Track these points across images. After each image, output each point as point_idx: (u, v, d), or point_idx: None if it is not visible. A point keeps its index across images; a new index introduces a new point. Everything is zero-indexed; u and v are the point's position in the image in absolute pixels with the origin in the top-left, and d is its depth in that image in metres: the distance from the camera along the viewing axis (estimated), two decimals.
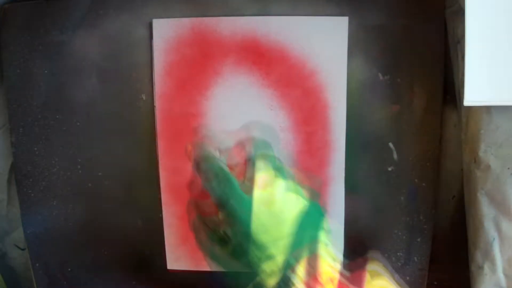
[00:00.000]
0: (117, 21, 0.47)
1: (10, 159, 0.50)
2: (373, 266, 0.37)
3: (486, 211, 0.42)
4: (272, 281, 0.35)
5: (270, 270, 0.35)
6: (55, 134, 0.49)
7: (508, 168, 0.41)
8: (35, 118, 0.49)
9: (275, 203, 0.36)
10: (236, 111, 0.48)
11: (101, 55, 0.48)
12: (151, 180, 0.49)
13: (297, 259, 0.35)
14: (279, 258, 0.35)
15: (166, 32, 0.47)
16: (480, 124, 0.42)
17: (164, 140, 0.49)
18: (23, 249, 0.53)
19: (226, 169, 0.38)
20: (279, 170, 0.38)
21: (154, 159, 0.49)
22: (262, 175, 0.37)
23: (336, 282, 0.35)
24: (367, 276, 0.36)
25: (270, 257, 0.35)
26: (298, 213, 0.36)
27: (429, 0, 0.45)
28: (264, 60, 0.47)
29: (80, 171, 0.50)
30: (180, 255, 0.51)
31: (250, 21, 0.46)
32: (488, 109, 0.41)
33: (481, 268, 0.43)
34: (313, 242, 0.36)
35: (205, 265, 0.50)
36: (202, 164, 0.39)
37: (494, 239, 0.42)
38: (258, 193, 0.36)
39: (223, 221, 0.37)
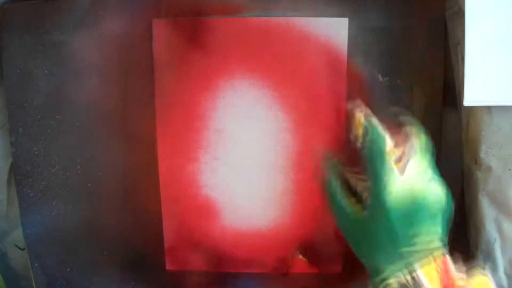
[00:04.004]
0: (117, 21, 0.47)
1: (10, 159, 0.50)
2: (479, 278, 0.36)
3: (487, 212, 0.42)
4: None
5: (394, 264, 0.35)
6: (55, 134, 0.49)
7: (509, 169, 0.41)
8: (35, 118, 0.49)
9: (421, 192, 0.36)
10: (236, 112, 0.48)
11: (101, 55, 0.48)
12: (151, 180, 0.49)
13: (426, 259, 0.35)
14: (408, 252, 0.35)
15: (166, 32, 0.47)
16: (480, 126, 0.42)
17: (164, 140, 0.49)
18: (22, 249, 0.53)
19: (389, 144, 0.37)
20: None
21: (154, 159, 0.49)
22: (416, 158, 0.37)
23: None
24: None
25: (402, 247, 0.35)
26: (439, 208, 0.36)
27: (429, 2, 0.45)
28: (264, 61, 0.47)
29: (79, 171, 0.50)
30: (179, 255, 0.50)
31: (250, 22, 0.46)
32: (488, 110, 0.41)
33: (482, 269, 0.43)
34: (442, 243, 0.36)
35: (205, 265, 0.51)
36: (368, 129, 0.38)
37: (495, 240, 0.42)
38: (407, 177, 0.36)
39: (367, 188, 0.37)
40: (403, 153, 0.37)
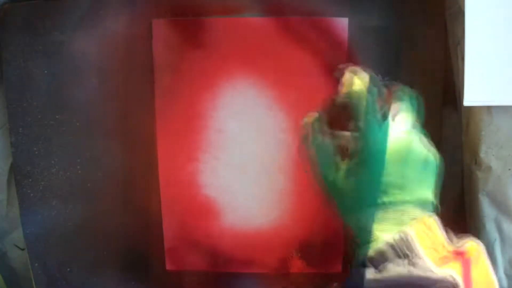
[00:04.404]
0: (117, 21, 0.47)
1: (10, 159, 0.50)
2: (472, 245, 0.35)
3: (488, 212, 0.42)
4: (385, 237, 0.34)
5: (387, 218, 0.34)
6: (54, 134, 0.49)
7: (509, 169, 0.41)
8: (35, 118, 0.49)
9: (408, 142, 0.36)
10: (236, 112, 0.48)
11: (101, 55, 0.48)
12: (151, 180, 0.49)
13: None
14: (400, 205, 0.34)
15: (166, 32, 0.47)
16: (480, 126, 0.42)
17: (164, 140, 0.49)
18: (22, 249, 0.53)
19: (375, 93, 0.37)
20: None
21: (154, 159, 0.49)
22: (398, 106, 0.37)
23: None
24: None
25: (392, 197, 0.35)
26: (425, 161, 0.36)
27: (429, 2, 0.45)
28: (264, 61, 0.47)
29: (79, 171, 0.50)
30: (179, 255, 0.50)
31: (250, 22, 0.46)
32: (488, 110, 0.41)
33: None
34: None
35: (205, 265, 0.50)
36: (353, 80, 0.38)
37: (495, 240, 0.42)
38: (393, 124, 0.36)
39: (352, 139, 0.37)
40: (392, 105, 0.38)
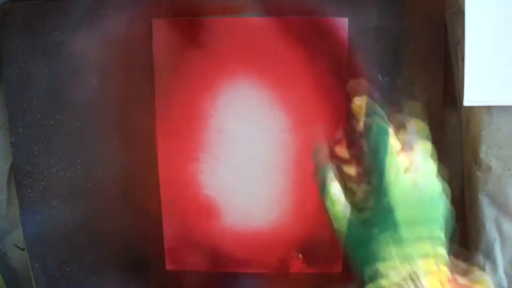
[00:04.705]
0: (117, 21, 0.47)
1: (10, 159, 0.50)
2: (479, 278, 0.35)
3: (488, 212, 0.42)
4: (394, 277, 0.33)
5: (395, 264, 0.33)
6: (54, 134, 0.49)
7: (509, 169, 0.41)
8: (35, 118, 0.49)
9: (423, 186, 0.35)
10: (236, 112, 0.48)
11: (101, 55, 0.48)
12: (151, 180, 0.49)
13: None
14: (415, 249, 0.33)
15: (166, 32, 0.47)
16: (480, 126, 0.42)
17: (164, 140, 0.49)
18: (22, 249, 0.53)
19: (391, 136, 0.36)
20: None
21: (154, 159, 0.49)
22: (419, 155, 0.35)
23: None
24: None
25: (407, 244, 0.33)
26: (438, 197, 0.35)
27: (429, 2, 0.45)
28: (264, 61, 0.47)
29: (79, 171, 0.50)
30: (179, 255, 0.50)
31: (250, 22, 0.46)
32: (488, 110, 0.41)
33: (482, 268, 0.43)
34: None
35: (205, 265, 0.50)
36: (370, 122, 0.36)
37: (495, 239, 0.42)
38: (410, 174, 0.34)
39: (365, 192, 0.36)
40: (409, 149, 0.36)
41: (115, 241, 0.51)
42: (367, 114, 0.37)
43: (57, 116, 0.49)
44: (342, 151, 0.38)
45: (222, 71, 0.47)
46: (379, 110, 0.37)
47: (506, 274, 0.43)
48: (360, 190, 0.37)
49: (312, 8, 0.46)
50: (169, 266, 0.51)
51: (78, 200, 0.50)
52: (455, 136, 0.47)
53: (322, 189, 0.38)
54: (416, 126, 0.37)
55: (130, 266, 0.51)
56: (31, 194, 0.50)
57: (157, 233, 0.50)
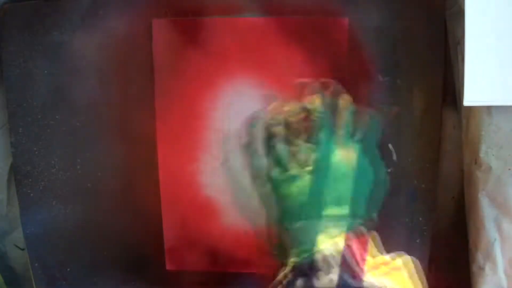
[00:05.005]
0: (117, 21, 0.47)
1: (10, 159, 0.50)
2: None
3: (487, 212, 0.42)
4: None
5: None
6: (54, 134, 0.49)
7: (509, 169, 0.41)
8: (34, 118, 0.49)
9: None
10: (236, 112, 0.48)
11: (101, 55, 0.48)
12: (151, 180, 0.49)
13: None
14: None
15: (166, 32, 0.47)
16: (480, 126, 0.41)
17: (164, 140, 0.49)
18: (22, 249, 0.53)
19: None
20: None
21: (154, 159, 0.49)
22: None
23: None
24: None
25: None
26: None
27: (429, 2, 0.45)
28: (264, 61, 0.47)
29: (79, 171, 0.50)
30: (179, 255, 0.50)
31: (250, 22, 0.46)
32: (488, 110, 0.41)
33: (482, 269, 0.43)
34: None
35: (205, 265, 0.50)
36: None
37: (495, 240, 0.42)
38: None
39: (308, 149, 0.38)
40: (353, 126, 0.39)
41: (115, 241, 0.51)
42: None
43: (57, 116, 0.49)
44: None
45: (222, 71, 0.47)
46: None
47: (506, 274, 0.43)
48: (304, 147, 0.38)
49: (312, 8, 0.46)
50: (169, 266, 0.51)
51: (78, 200, 0.50)
52: (455, 136, 0.47)
53: (260, 141, 0.40)
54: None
55: (130, 266, 0.51)
56: (31, 194, 0.50)
57: (157, 233, 0.50)
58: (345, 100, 0.40)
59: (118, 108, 0.48)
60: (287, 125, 0.40)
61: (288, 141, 0.39)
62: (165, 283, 0.51)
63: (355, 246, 0.35)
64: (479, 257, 0.43)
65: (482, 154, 0.42)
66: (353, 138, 0.39)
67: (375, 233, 0.37)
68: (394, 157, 0.47)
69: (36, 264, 0.52)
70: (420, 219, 0.48)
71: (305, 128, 0.39)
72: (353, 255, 0.34)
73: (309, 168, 0.37)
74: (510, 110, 0.40)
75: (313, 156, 0.38)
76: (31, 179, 0.50)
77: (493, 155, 0.42)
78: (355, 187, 0.37)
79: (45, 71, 0.48)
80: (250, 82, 0.47)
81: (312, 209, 0.36)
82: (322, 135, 0.38)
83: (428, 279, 0.49)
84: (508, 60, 0.38)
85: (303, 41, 0.46)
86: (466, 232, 0.45)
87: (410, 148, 0.47)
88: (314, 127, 0.39)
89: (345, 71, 0.46)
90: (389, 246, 0.48)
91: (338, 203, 0.36)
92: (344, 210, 0.36)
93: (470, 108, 0.42)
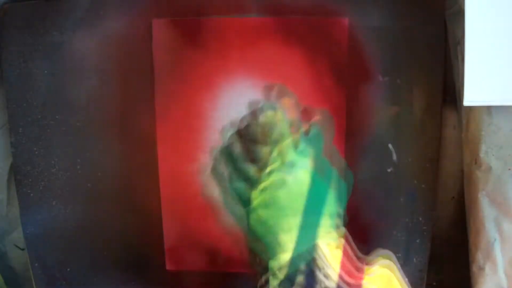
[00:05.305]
0: (117, 21, 0.47)
1: (10, 159, 0.50)
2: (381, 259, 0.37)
3: (487, 212, 0.42)
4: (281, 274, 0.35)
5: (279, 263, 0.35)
6: (54, 134, 0.49)
7: (509, 169, 0.41)
8: (34, 118, 0.49)
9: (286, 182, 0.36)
10: (236, 112, 0.47)
11: (101, 55, 0.48)
12: (151, 180, 0.49)
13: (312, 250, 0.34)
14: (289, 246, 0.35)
15: (166, 32, 0.47)
16: (480, 125, 0.41)
17: (164, 140, 0.49)
18: (22, 249, 0.53)
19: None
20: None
21: (154, 159, 0.49)
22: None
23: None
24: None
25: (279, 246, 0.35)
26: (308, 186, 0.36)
27: (429, 2, 0.45)
28: (264, 61, 0.47)
29: (79, 171, 0.50)
30: (179, 255, 0.50)
31: (250, 22, 0.46)
32: (488, 110, 0.41)
33: (482, 268, 0.43)
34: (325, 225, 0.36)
35: (205, 265, 0.50)
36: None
37: (495, 240, 0.42)
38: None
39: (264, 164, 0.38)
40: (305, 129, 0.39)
41: (115, 241, 0.51)
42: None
43: (57, 116, 0.49)
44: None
45: (222, 71, 0.47)
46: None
47: (506, 274, 0.43)
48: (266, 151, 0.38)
49: (312, 8, 0.46)
50: (169, 266, 0.51)
51: (78, 200, 0.50)
52: (455, 136, 0.47)
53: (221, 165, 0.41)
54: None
55: (130, 266, 0.51)
56: (31, 194, 0.50)
57: (157, 233, 0.50)
58: (280, 111, 0.40)
59: (118, 108, 0.48)
60: (242, 136, 0.40)
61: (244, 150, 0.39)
62: (165, 283, 0.51)
63: (346, 247, 0.35)
64: (479, 257, 0.43)
65: (482, 154, 0.42)
66: (297, 149, 0.38)
67: (346, 231, 0.37)
68: (394, 157, 0.47)
69: (36, 264, 0.52)
70: (420, 219, 0.48)
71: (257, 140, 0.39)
72: (348, 257, 0.35)
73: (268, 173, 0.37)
74: (510, 110, 0.40)
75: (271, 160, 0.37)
76: (31, 179, 0.50)
77: (493, 155, 0.42)
78: (312, 197, 0.36)
79: (45, 71, 0.48)
80: (250, 82, 0.47)
81: (280, 221, 0.36)
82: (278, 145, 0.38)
83: (428, 279, 0.49)
84: (508, 60, 0.38)
85: (303, 41, 0.46)
86: (466, 232, 0.45)
87: (410, 148, 0.47)
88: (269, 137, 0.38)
89: (345, 71, 0.46)
90: (389, 246, 0.48)
91: (301, 213, 0.36)
92: (310, 218, 0.36)
93: (470, 108, 0.42)
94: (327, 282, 0.33)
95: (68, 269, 0.52)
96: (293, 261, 0.34)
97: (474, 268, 0.44)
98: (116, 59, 0.48)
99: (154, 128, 0.48)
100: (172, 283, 0.51)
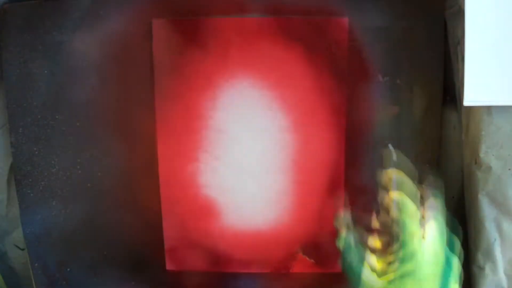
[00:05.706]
0: (117, 21, 0.47)
1: (10, 159, 0.50)
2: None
3: (487, 212, 0.42)
4: None
5: None
6: (54, 134, 0.49)
7: (509, 169, 0.41)
8: (34, 118, 0.49)
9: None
10: (236, 112, 0.48)
11: (101, 55, 0.48)
12: (151, 180, 0.49)
13: None
14: None
15: (166, 32, 0.47)
16: (480, 125, 0.41)
17: (164, 140, 0.49)
18: (22, 249, 0.53)
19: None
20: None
21: (154, 159, 0.49)
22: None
23: None
24: None
25: None
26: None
27: (429, 2, 0.45)
28: (264, 61, 0.47)
29: (79, 171, 0.50)
30: (179, 255, 0.50)
31: (250, 22, 0.46)
32: (488, 110, 0.41)
33: (482, 268, 0.43)
34: None
35: (205, 265, 0.51)
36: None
37: (495, 240, 0.42)
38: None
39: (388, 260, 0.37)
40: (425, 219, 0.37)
41: (115, 241, 0.51)
42: (394, 187, 0.38)
43: (57, 116, 0.49)
44: (375, 239, 0.40)
45: (222, 71, 0.47)
46: (407, 182, 0.38)
47: (506, 274, 0.43)
48: (383, 260, 0.38)
49: (312, 8, 0.46)
50: (169, 266, 0.51)
51: (78, 200, 0.50)
52: (455, 136, 0.47)
53: (344, 255, 0.39)
54: (434, 201, 0.38)
55: (130, 266, 0.51)
56: (31, 194, 0.50)
57: (157, 233, 0.50)
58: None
59: (118, 108, 0.48)
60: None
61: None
62: (165, 283, 0.51)
63: None
64: (479, 257, 0.43)
65: (482, 154, 0.42)
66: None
67: None
68: (394, 157, 0.47)
69: (36, 264, 0.51)
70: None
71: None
72: None
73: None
74: (510, 110, 0.40)
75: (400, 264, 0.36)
76: (31, 179, 0.50)
77: (493, 155, 0.42)
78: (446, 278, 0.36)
79: (45, 71, 0.48)
80: (250, 82, 0.47)
81: None
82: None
83: None
84: (508, 60, 0.38)
85: (303, 41, 0.46)
86: (466, 232, 0.45)
87: (410, 148, 0.47)
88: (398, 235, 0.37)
89: (345, 71, 0.46)
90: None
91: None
92: None
93: (470, 108, 0.42)
94: None
95: (68, 269, 0.52)
96: None
97: (474, 268, 0.44)
98: (116, 59, 0.48)
99: (154, 128, 0.48)
100: (172, 283, 0.51)
